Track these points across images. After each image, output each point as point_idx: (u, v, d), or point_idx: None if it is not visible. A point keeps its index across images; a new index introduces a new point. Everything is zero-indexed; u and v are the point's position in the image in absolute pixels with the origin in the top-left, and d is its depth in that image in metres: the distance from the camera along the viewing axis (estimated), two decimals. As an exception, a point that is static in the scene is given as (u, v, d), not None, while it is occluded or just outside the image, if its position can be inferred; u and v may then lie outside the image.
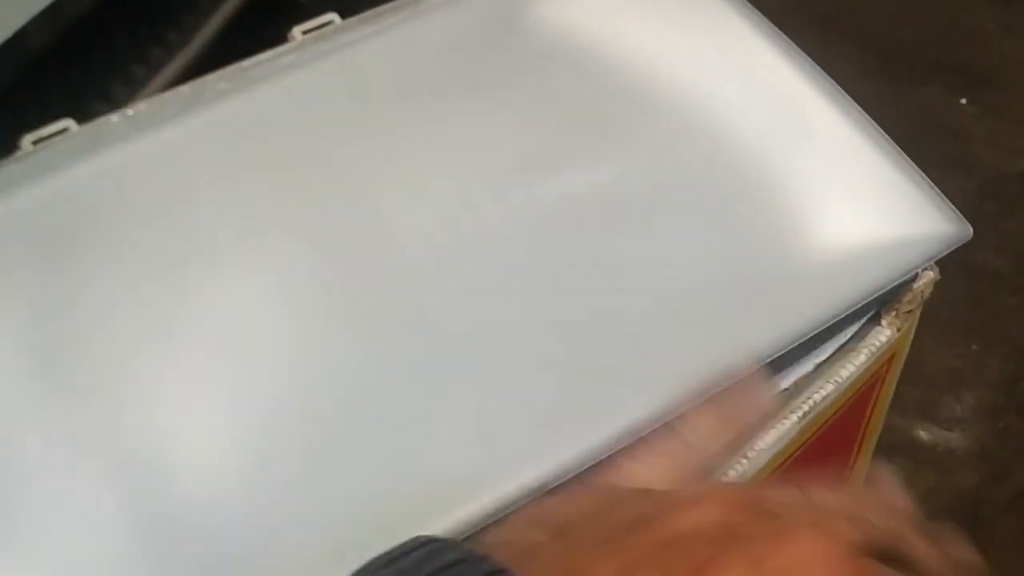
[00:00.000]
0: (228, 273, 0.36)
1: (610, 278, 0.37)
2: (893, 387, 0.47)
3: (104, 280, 0.36)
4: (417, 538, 0.25)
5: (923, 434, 0.97)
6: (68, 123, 0.39)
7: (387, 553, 0.25)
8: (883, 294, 0.39)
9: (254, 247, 0.37)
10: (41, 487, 0.32)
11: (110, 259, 0.36)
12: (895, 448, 0.93)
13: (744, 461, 0.38)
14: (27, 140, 0.38)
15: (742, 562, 0.24)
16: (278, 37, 0.43)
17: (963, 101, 1.24)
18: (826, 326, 0.38)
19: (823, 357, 0.41)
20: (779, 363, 0.39)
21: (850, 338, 0.41)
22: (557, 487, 0.34)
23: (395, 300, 0.36)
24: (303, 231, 0.37)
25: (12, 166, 0.38)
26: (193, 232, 0.37)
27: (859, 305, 0.38)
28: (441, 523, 0.32)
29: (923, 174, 0.40)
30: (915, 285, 0.41)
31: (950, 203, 0.39)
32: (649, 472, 0.30)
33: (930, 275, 0.41)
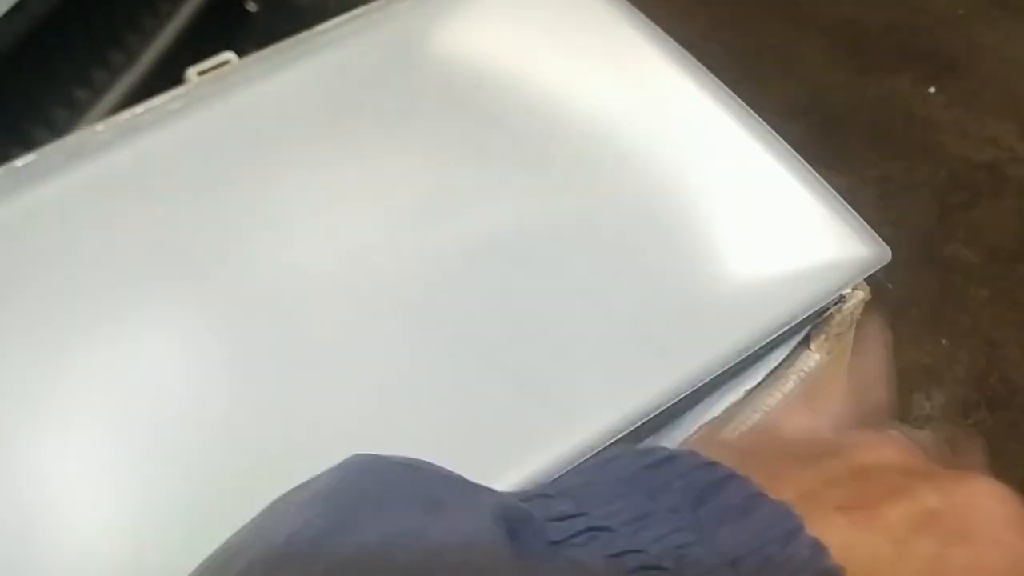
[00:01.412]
0: (114, 327, 0.35)
1: (518, 319, 0.36)
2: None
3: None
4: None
5: (893, 434, 0.96)
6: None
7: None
8: (810, 317, 0.38)
9: (138, 299, 0.36)
10: None
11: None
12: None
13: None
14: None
15: (929, 491, 0.26)
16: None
17: (931, 90, 1.23)
18: (747, 354, 0.37)
19: (753, 384, 0.40)
20: (706, 392, 0.39)
21: (779, 365, 0.40)
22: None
23: (289, 342, 0.35)
24: (191, 280, 0.36)
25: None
26: (72, 289, 0.36)
27: (778, 332, 0.37)
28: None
29: (838, 196, 0.39)
30: (844, 307, 0.40)
31: (867, 225, 0.38)
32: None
33: (859, 295, 0.40)
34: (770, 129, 0.40)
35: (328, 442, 0.33)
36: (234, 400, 0.34)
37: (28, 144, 0.39)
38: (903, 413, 0.95)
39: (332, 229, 0.37)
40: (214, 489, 0.32)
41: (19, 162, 0.38)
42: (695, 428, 0.39)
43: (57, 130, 0.76)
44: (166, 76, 0.41)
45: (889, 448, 0.28)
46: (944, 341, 1.00)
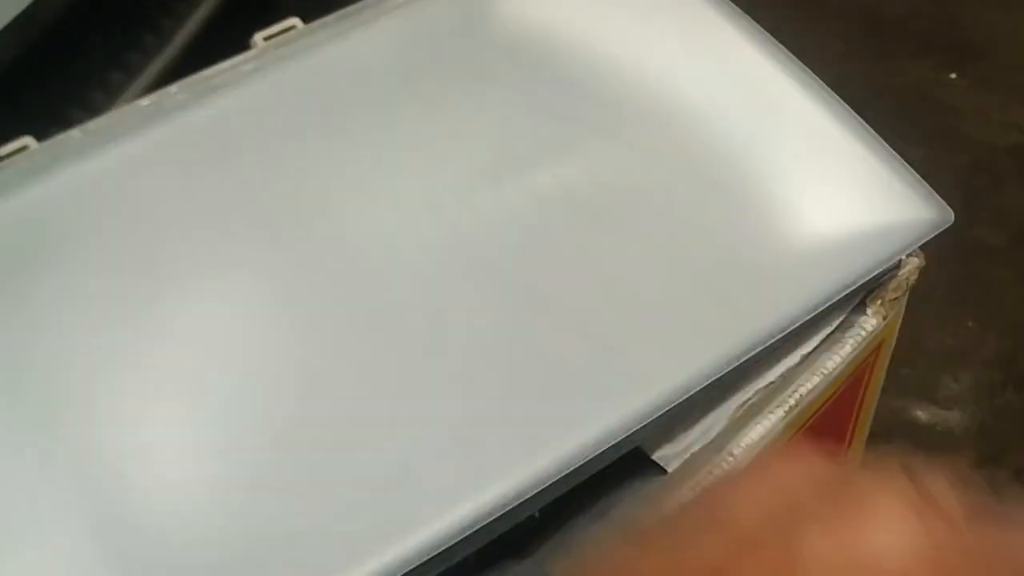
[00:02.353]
0: (193, 284, 0.36)
1: (592, 277, 0.36)
2: (883, 376, 0.46)
3: (69, 295, 0.35)
4: None
5: (921, 414, 0.96)
6: (27, 140, 0.38)
7: None
8: (868, 282, 0.39)
9: (220, 256, 0.36)
10: (13, 507, 0.32)
11: (74, 275, 0.36)
12: (893, 429, 0.92)
13: (730, 458, 0.37)
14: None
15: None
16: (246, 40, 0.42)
17: (953, 75, 1.23)
18: (810, 317, 0.38)
19: (809, 348, 0.40)
20: (765, 356, 0.39)
21: (835, 328, 0.41)
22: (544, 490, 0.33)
23: (370, 300, 0.35)
24: (268, 240, 0.36)
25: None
26: (159, 244, 0.37)
27: (842, 295, 0.37)
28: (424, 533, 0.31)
29: (902, 159, 0.39)
30: (900, 272, 0.40)
31: (930, 188, 0.39)
32: None
33: (915, 262, 0.41)
34: (830, 90, 0.40)
35: (412, 401, 0.34)
36: (317, 357, 0.34)
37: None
38: (931, 393, 0.96)
39: (407, 189, 0.38)
40: (300, 446, 0.33)
41: (91, 125, 0.39)
42: (753, 392, 0.40)
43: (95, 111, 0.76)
44: (228, 43, 0.41)
45: None
46: (970, 323, 1.00)
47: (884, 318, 0.41)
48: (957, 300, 1.00)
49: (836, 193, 0.39)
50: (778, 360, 0.40)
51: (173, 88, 0.39)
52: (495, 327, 0.35)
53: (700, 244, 0.37)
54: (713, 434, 0.39)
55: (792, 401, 0.38)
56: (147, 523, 0.31)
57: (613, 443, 0.34)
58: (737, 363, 0.36)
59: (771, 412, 0.38)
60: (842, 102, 0.40)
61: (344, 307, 0.35)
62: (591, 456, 0.34)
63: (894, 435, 0.90)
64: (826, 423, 0.43)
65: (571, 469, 0.34)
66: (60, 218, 0.37)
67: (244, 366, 0.34)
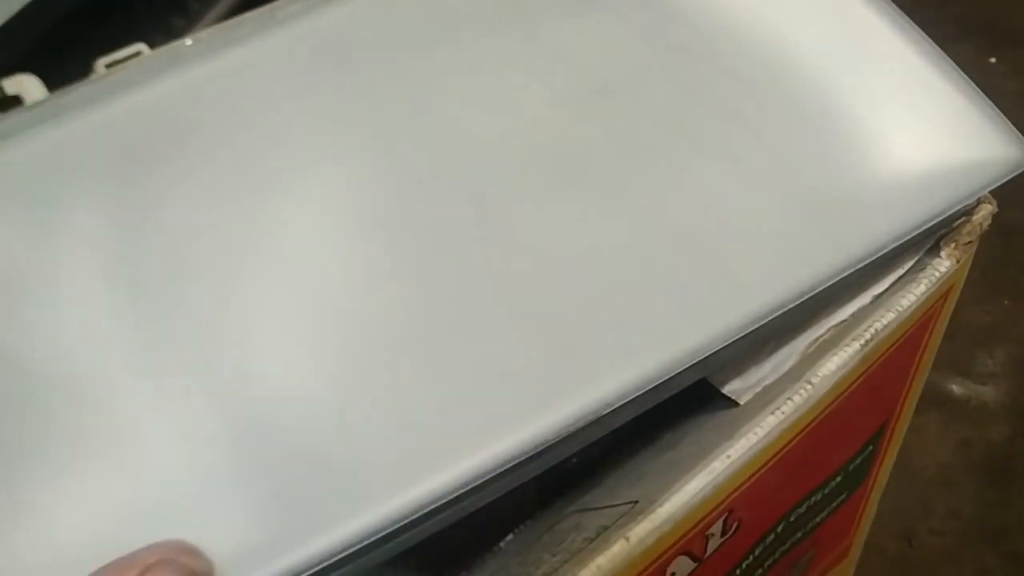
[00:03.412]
0: (307, 188, 0.37)
1: (678, 198, 0.37)
2: (946, 323, 0.47)
3: (184, 196, 0.36)
4: None
5: (956, 388, 0.97)
6: (140, 47, 0.39)
7: None
8: (945, 220, 0.39)
9: (333, 162, 0.37)
10: (127, 398, 0.33)
11: (190, 175, 0.37)
12: (929, 402, 0.93)
13: (808, 387, 0.38)
14: (100, 64, 0.39)
15: None
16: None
17: (992, 60, 1.24)
18: (886, 252, 0.38)
19: (881, 289, 0.41)
20: (837, 293, 0.39)
21: (907, 270, 0.41)
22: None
23: (476, 212, 0.36)
24: (383, 147, 0.37)
25: (87, 87, 0.38)
26: (273, 148, 0.37)
27: (924, 228, 0.37)
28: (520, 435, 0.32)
29: (984, 95, 0.40)
30: (974, 217, 0.41)
31: (1011, 125, 0.39)
32: None
33: (988, 207, 0.41)
34: (911, 22, 0.40)
35: (510, 302, 0.34)
36: (418, 260, 0.35)
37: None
38: (966, 368, 0.97)
39: (509, 102, 0.38)
40: (410, 341, 0.34)
41: (203, 34, 0.39)
42: (824, 330, 0.40)
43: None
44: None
45: None
46: (1006, 301, 1.01)
47: (957, 261, 0.41)
48: (993, 279, 1.00)
49: (916, 127, 0.39)
50: (851, 299, 0.41)
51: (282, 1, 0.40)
52: (581, 242, 0.35)
53: (774, 179, 0.37)
54: (785, 368, 0.40)
55: (867, 335, 0.39)
56: (265, 412, 0.32)
57: (681, 370, 0.35)
58: (807, 297, 0.37)
59: (847, 345, 0.39)
60: (922, 33, 0.40)
61: (449, 211, 0.36)
62: (657, 383, 0.35)
63: (930, 407, 0.91)
64: (892, 365, 0.43)
65: (636, 394, 0.34)
66: (178, 117, 0.37)
67: (354, 266, 0.35)
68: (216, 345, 0.33)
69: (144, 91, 0.38)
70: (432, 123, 0.38)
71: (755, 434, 0.37)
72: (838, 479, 0.49)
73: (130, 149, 0.37)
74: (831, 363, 0.38)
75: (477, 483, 0.32)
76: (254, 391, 0.33)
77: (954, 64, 0.40)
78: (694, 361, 0.34)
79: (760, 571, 0.47)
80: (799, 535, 0.48)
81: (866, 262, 0.37)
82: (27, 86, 0.39)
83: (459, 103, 0.38)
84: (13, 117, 0.38)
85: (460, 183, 0.36)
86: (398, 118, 0.38)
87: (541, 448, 0.32)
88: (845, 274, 0.37)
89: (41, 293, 0.34)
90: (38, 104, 0.39)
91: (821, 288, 0.36)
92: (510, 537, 0.45)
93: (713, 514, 0.37)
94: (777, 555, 0.48)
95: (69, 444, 0.32)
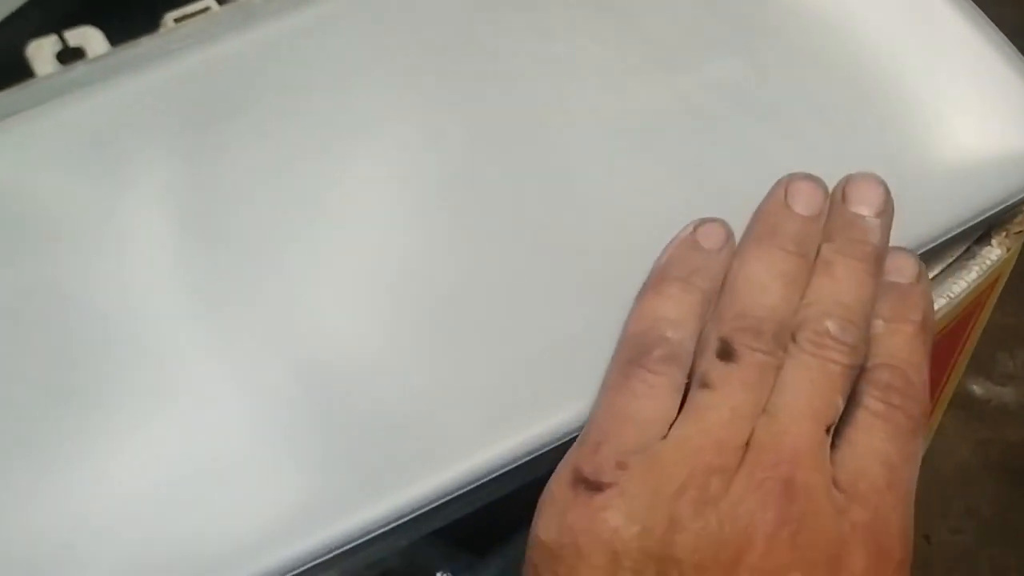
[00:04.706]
0: (378, 149, 0.37)
1: (731, 176, 0.36)
2: (990, 312, 0.47)
3: (253, 153, 0.36)
4: None
5: (976, 388, 0.97)
6: (209, 2, 0.39)
7: None
8: (1000, 211, 0.39)
9: (406, 123, 0.37)
10: (192, 356, 0.33)
11: (259, 133, 0.37)
12: (950, 401, 0.93)
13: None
14: (169, 18, 0.39)
15: None
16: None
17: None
18: (951, 235, 0.38)
19: (930, 276, 0.41)
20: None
21: (957, 258, 0.41)
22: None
23: (546, 178, 0.36)
24: (455, 111, 0.37)
25: (155, 41, 0.38)
26: (345, 107, 0.37)
27: (987, 215, 0.37)
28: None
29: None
30: (1024, 206, 0.41)
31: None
32: None
33: (1042, 196, 0.41)
34: (978, 8, 0.40)
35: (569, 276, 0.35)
36: (489, 225, 0.35)
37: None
38: (987, 369, 0.97)
39: (580, 69, 0.38)
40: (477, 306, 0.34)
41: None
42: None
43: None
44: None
45: None
46: (1028, 304, 1.01)
47: (1007, 250, 0.41)
48: (1016, 281, 1.00)
49: (982, 114, 0.39)
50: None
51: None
52: (648, 214, 0.35)
53: (842, 155, 0.37)
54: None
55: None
56: (333, 372, 0.32)
57: None
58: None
59: (898, 330, 0.39)
60: (983, 16, 0.40)
61: (520, 177, 0.36)
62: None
63: (950, 407, 0.90)
64: (937, 351, 0.43)
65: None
66: (249, 72, 0.37)
67: (425, 229, 0.35)
68: (284, 303, 0.33)
69: (214, 47, 0.38)
70: (504, 88, 0.38)
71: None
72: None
73: (201, 105, 0.37)
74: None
75: (540, 451, 0.32)
76: (322, 351, 0.33)
77: (1019, 53, 0.40)
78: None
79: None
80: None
81: (929, 246, 0.37)
82: (90, 39, 0.39)
83: (531, 68, 0.38)
84: (78, 69, 0.38)
85: (531, 149, 0.36)
86: (472, 83, 0.38)
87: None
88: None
89: (110, 245, 0.34)
90: (103, 57, 0.39)
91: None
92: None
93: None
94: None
95: (132, 395, 0.32)
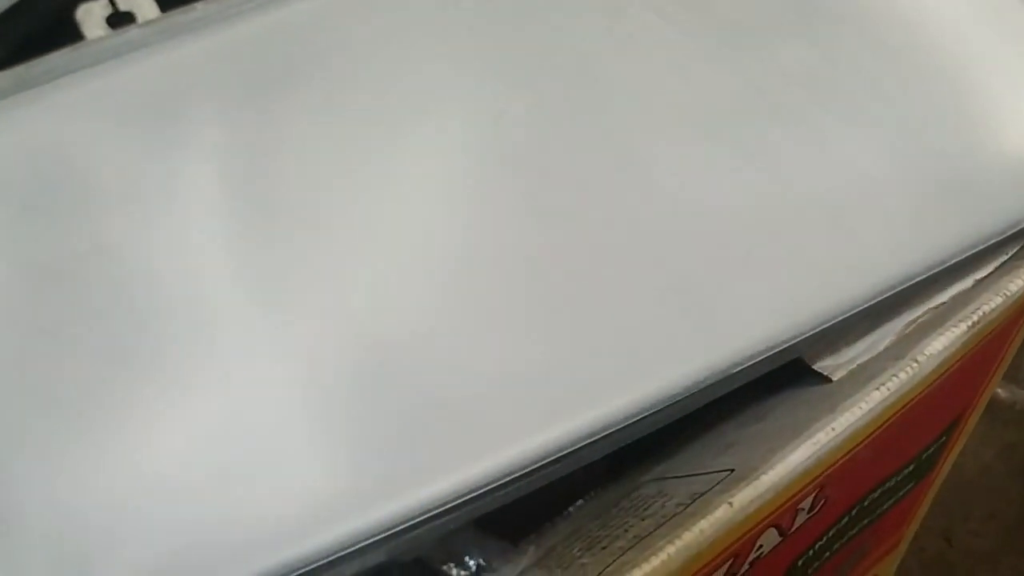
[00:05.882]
0: (439, 121, 0.36)
1: (793, 159, 0.36)
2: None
3: (309, 122, 0.36)
4: None
5: (1002, 392, 0.96)
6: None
7: None
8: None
9: (467, 96, 0.37)
10: (236, 324, 0.32)
11: (316, 100, 0.36)
12: (974, 404, 0.93)
13: (914, 365, 0.37)
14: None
15: None
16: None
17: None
18: (997, 240, 0.37)
19: (983, 274, 0.40)
20: (938, 276, 0.39)
21: (1012, 256, 0.41)
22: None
23: (607, 154, 0.36)
24: (517, 85, 0.37)
25: (208, 5, 0.38)
26: (407, 77, 0.37)
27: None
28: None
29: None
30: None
31: None
32: None
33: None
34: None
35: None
36: (549, 203, 0.35)
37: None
38: (1012, 373, 0.96)
39: (643, 46, 0.38)
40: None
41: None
42: (922, 312, 0.39)
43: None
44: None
45: None
46: (1056, 309, 1.00)
47: (1054, 259, 0.40)
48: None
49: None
50: (951, 282, 0.40)
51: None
52: (710, 195, 0.35)
53: (908, 145, 0.37)
54: (880, 348, 0.39)
55: (975, 317, 0.38)
56: (388, 349, 0.32)
57: (773, 351, 0.35)
58: (932, 272, 0.36)
59: (954, 326, 0.38)
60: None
61: (582, 153, 0.36)
62: (778, 349, 0.35)
63: (974, 409, 0.90)
64: (985, 351, 0.43)
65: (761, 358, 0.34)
66: (303, 45, 0.37)
67: (484, 205, 0.35)
68: (337, 274, 0.33)
69: (268, 14, 0.37)
70: (566, 61, 0.37)
71: (860, 408, 0.36)
72: (911, 467, 0.48)
73: (254, 72, 0.36)
74: (938, 343, 0.38)
75: (594, 439, 0.31)
76: (376, 326, 0.32)
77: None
78: (819, 328, 0.34)
79: (828, 554, 0.46)
80: (866, 521, 0.48)
81: (991, 242, 0.36)
82: (141, 3, 0.38)
83: (598, 47, 0.37)
84: (129, 33, 0.38)
85: (593, 124, 0.36)
86: (533, 56, 0.37)
87: (660, 407, 0.32)
88: (971, 252, 0.36)
89: (159, 209, 0.34)
90: (153, 21, 0.38)
91: (945, 265, 0.36)
92: (580, 503, 0.44)
93: (809, 487, 0.37)
94: (845, 539, 0.47)
95: (181, 363, 0.31)
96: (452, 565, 0.43)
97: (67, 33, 0.39)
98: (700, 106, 0.36)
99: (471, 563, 0.42)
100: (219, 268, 0.33)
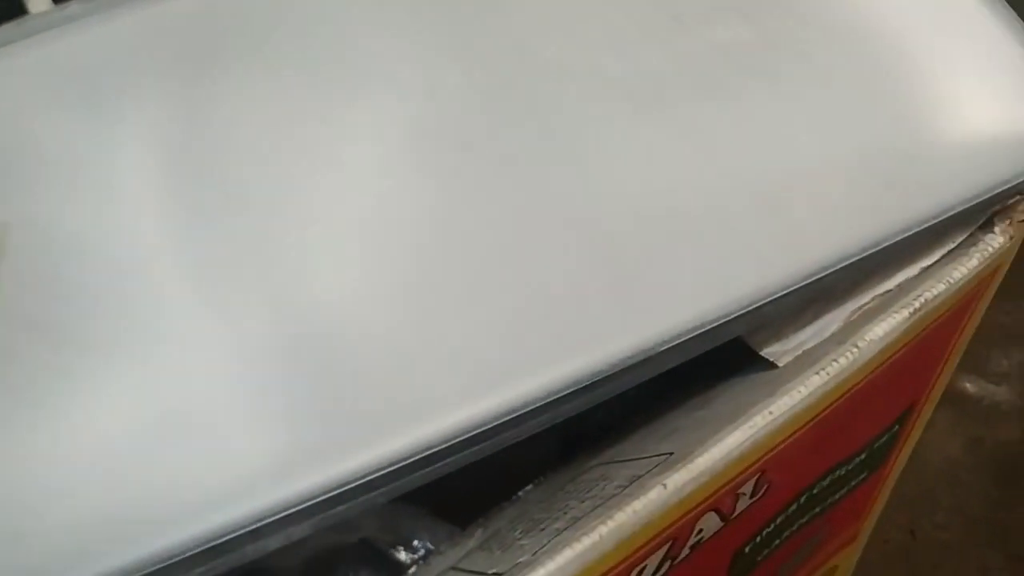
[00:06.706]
0: (372, 98, 0.36)
1: (728, 138, 0.36)
2: (986, 306, 0.46)
3: (248, 95, 0.36)
4: None
5: (970, 386, 0.97)
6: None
7: None
8: (1002, 194, 0.38)
9: (402, 75, 0.36)
10: (177, 300, 0.32)
11: (255, 74, 0.36)
12: (942, 398, 0.92)
13: (854, 350, 0.37)
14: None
15: None
16: None
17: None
18: (939, 221, 0.37)
19: (930, 262, 0.40)
20: (884, 261, 0.39)
21: (958, 244, 0.41)
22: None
23: (543, 135, 0.36)
24: (454, 65, 0.37)
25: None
26: (344, 53, 0.37)
27: (984, 198, 0.37)
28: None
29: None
30: (1031, 194, 0.40)
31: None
32: None
33: (1047, 187, 0.40)
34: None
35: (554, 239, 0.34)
36: (482, 181, 0.35)
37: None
38: (981, 367, 0.96)
39: (583, 27, 0.38)
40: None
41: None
42: (869, 299, 0.40)
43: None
44: None
45: None
46: (1024, 304, 1.01)
47: (1010, 238, 0.40)
48: (1011, 281, 1.00)
49: (993, 94, 0.38)
50: (897, 269, 0.40)
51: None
52: (645, 173, 0.35)
53: (847, 125, 0.37)
54: (826, 334, 0.39)
55: (917, 304, 0.38)
56: (316, 323, 0.32)
57: (702, 330, 0.34)
58: (869, 253, 0.36)
59: (895, 312, 0.38)
60: (1007, 5, 0.40)
61: (516, 133, 0.36)
62: (711, 326, 0.34)
63: (942, 403, 0.90)
64: (932, 339, 0.43)
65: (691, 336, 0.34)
66: (243, 14, 0.37)
67: (417, 182, 0.35)
68: (269, 248, 0.33)
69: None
70: (503, 44, 0.37)
71: (799, 392, 0.36)
72: (863, 456, 0.48)
73: (194, 45, 0.36)
74: (879, 328, 0.38)
75: (518, 413, 0.31)
76: (305, 300, 0.32)
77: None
78: (750, 307, 0.34)
79: (777, 541, 0.46)
80: (817, 510, 0.48)
81: (931, 223, 0.36)
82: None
83: (535, 24, 0.37)
84: (72, 7, 0.37)
85: (529, 105, 0.36)
86: (474, 36, 0.37)
87: (589, 383, 0.32)
88: (909, 233, 0.36)
89: (95, 182, 0.34)
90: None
91: (884, 245, 0.36)
92: (529, 488, 0.44)
93: (748, 471, 0.37)
94: (795, 527, 0.47)
95: (115, 335, 0.31)
96: (401, 548, 0.43)
97: (14, 10, 0.39)
98: (634, 83, 0.36)
99: (419, 546, 0.43)
100: (145, 240, 0.33)
